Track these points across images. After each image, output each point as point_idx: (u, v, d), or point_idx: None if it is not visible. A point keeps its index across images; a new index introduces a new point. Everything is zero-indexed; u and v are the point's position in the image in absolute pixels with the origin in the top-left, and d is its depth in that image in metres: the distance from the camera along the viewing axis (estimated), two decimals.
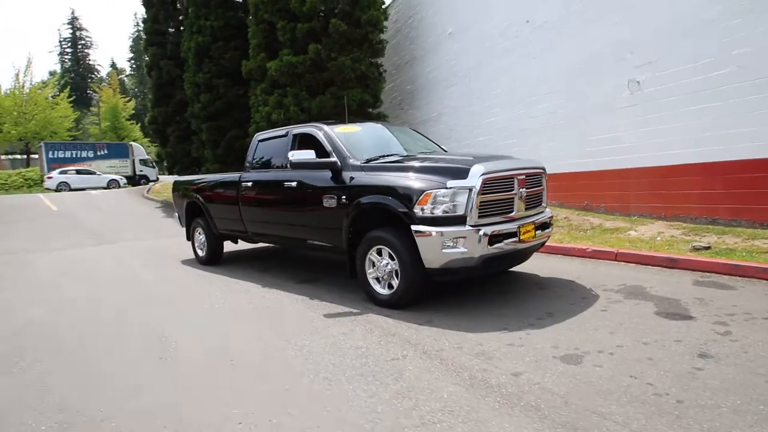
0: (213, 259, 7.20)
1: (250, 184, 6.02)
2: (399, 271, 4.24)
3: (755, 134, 6.02)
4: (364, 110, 13.59)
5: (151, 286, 5.82)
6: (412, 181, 4.17)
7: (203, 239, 7.23)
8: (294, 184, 5.30)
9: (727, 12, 6.18)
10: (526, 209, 4.47)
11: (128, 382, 3.05)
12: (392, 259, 4.31)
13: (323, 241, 5.09)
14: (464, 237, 3.95)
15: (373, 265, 4.50)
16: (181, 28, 17.98)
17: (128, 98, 44.40)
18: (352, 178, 4.62)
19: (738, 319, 3.54)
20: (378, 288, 4.48)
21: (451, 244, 3.95)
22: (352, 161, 4.78)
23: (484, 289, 4.78)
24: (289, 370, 3.11)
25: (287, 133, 5.72)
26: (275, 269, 6.54)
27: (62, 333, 4.15)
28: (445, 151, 5.94)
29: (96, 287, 5.92)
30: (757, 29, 5.88)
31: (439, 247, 3.97)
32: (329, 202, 4.81)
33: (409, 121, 14.84)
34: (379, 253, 4.42)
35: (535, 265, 5.61)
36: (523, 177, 4.42)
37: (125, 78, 61.78)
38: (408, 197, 4.10)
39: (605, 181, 8.19)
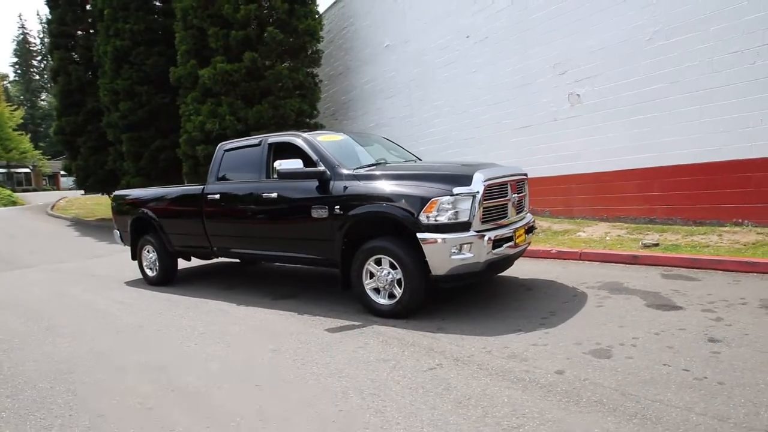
0: (166, 279, 6.63)
1: (217, 196, 5.64)
2: (403, 279, 4.19)
3: (685, 142, 6.77)
4: (302, 120, 13.37)
5: (113, 316, 5.19)
6: (415, 188, 4.16)
7: (153, 257, 6.64)
8: (274, 195, 5.06)
9: (660, 33, 6.92)
10: (516, 214, 4.64)
11: None
12: (393, 268, 4.25)
13: (310, 254, 4.90)
14: (471, 243, 4.01)
15: (371, 276, 4.41)
16: (91, 30, 16.52)
17: (14, 106, 39.70)
18: (345, 188, 4.50)
19: (720, 305, 3.93)
20: (378, 298, 4.39)
21: (458, 251, 3.99)
22: (342, 170, 4.66)
23: (475, 295, 4.86)
24: (329, 391, 2.93)
25: (261, 142, 5.45)
26: (241, 286, 6.17)
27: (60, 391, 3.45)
28: (420, 159, 6.00)
29: (44, 319, 5.20)
30: (685, 49, 6.64)
31: (447, 254, 3.99)
32: (319, 213, 4.65)
33: (344, 131, 14.80)
34: (378, 262, 4.34)
35: (511, 268, 5.83)
36: (515, 182, 4.59)
37: (8, 85, 55.20)
38: (413, 205, 4.08)
39: (550, 187, 8.74)
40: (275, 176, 4.99)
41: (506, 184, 4.43)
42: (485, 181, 4.12)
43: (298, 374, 3.22)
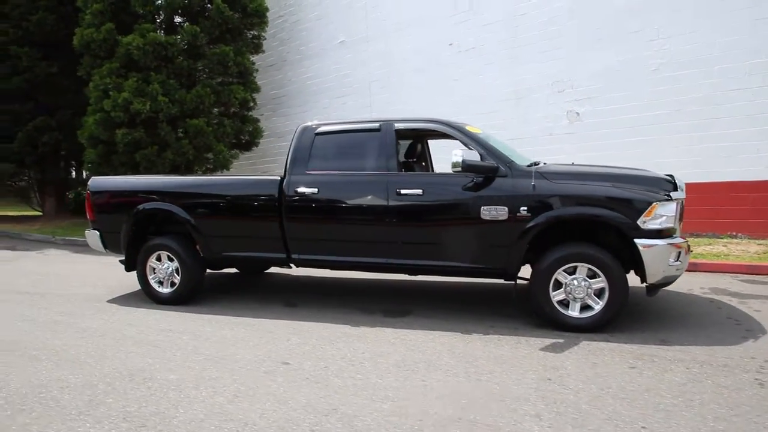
0: (189, 295, 5.11)
1: (311, 191, 4.52)
2: (607, 289, 3.84)
3: (684, 164, 7.69)
4: (243, 112, 11.86)
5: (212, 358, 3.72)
6: (630, 191, 3.87)
7: (171, 268, 5.05)
8: (417, 192, 4.24)
9: (666, 65, 7.77)
10: None
11: None
12: (592, 277, 3.89)
13: (469, 263, 4.19)
14: (682, 249, 3.88)
15: (560, 286, 3.96)
16: None
17: None
18: (533, 186, 3.98)
19: None
20: (569, 311, 3.95)
21: (676, 258, 3.83)
22: (519, 166, 4.13)
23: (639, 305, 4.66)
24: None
25: (381, 126, 4.52)
26: (302, 304, 5.03)
27: None
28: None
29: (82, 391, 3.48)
30: (690, 82, 7.57)
31: (667, 260, 3.78)
32: (493, 214, 4.02)
33: (276, 128, 13.54)
34: (571, 271, 3.93)
35: None
36: None
37: None
38: (633, 208, 3.78)
39: None
40: (454, 168, 3.99)
41: None
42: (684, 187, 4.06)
43: (630, 414, 2.66)
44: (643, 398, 2.76)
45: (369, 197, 4.38)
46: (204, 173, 11.32)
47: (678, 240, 3.87)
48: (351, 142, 4.63)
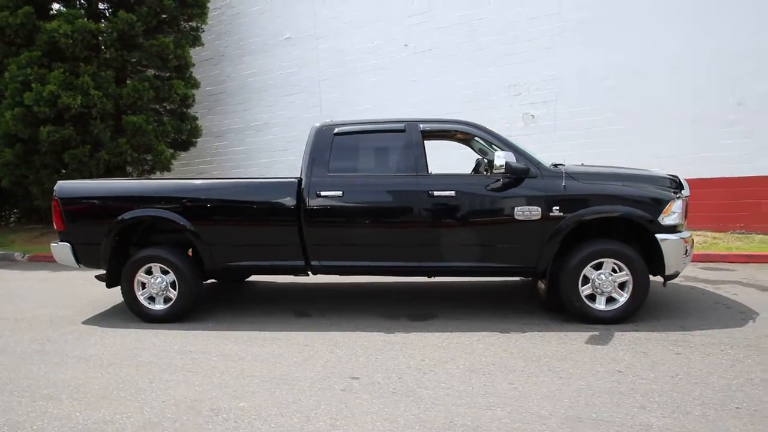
0: (185, 311, 4.64)
1: (335, 194, 4.31)
2: (631, 282, 4.09)
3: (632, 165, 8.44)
4: (181, 109, 11.04)
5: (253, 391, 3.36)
6: (650, 190, 4.16)
7: (166, 282, 4.57)
8: (449, 193, 4.22)
9: (612, 74, 8.46)
10: None
11: None
12: (615, 271, 4.14)
13: (500, 263, 4.26)
14: (689, 243, 4.26)
15: (587, 281, 4.17)
16: None
17: None
18: (564, 186, 4.14)
19: None
20: (595, 304, 4.16)
21: (686, 252, 4.20)
22: (547, 167, 4.26)
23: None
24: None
25: (406, 127, 4.42)
26: (315, 313, 4.79)
27: None
28: None
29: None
30: (633, 89, 8.32)
31: (681, 253, 4.14)
32: (527, 214, 4.12)
33: (213, 126, 12.77)
34: (597, 267, 4.15)
35: None
36: None
37: None
38: (654, 206, 4.08)
39: None
40: (496, 170, 4.01)
41: None
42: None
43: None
44: (712, 381, 2.99)
45: (400, 199, 4.29)
46: (140, 176, 10.32)
47: (686, 234, 4.24)
48: (374, 143, 4.50)
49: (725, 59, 7.67)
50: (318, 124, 4.63)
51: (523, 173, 4.12)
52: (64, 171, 9.22)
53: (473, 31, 9.61)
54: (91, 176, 9.33)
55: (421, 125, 4.45)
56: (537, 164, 4.25)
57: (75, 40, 8.74)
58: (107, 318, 4.88)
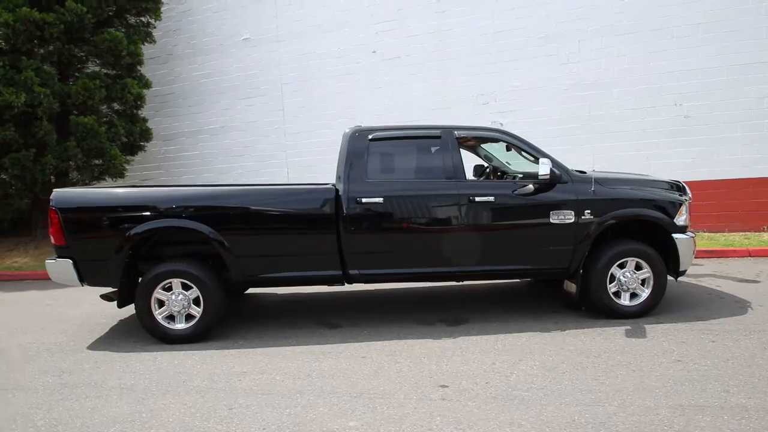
0: (208, 328, 4.34)
1: (376, 201, 4.25)
2: (652, 279, 4.45)
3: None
4: (131, 111, 10.28)
5: None
6: (664, 193, 4.55)
7: (189, 298, 4.24)
8: (489, 199, 4.33)
9: (574, 87, 9.10)
10: None
11: None
12: (637, 270, 4.48)
13: (534, 265, 4.46)
14: (695, 242, 4.72)
15: (613, 279, 4.47)
16: None
17: None
18: (594, 191, 4.40)
19: None
20: (622, 301, 4.47)
21: (693, 250, 4.64)
22: (574, 173, 4.52)
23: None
24: None
25: (442, 134, 4.46)
26: (344, 323, 4.69)
27: None
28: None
29: None
30: (593, 102, 9.01)
31: (692, 251, 4.58)
32: (560, 217, 4.35)
33: (161, 129, 11.95)
34: (620, 265, 4.47)
35: None
36: None
37: None
38: (671, 208, 4.47)
39: None
40: (541, 177, 4.23)
41: None
42: None
43: None
44: (759, 364, 3.34)
45: (442, 205, 4.32)
46: (89, 183, 9.40)
47: (693, 234, 4.70)
48: (411, 149, 4.51)
49: (673, 76, 8.56)
50: (350, 130, 4.53)
51: (558, 179, 4.34)
52: (4, 177, 8.15)
53: (440, 41, 9.88)
54: (35, 183, 8.35)
55: (456, 132, 4.52)
56: (566, 170, 4.49)
57: (17, 31, 7.79)
58: (113, 342, 4.41)
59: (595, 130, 9.06)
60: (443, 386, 3.16)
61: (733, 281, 5.77)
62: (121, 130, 9.47)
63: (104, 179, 9.73)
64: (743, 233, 8.26)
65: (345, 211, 4.24)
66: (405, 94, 10.13)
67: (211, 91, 11.72)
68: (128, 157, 10.84)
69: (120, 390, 3.31)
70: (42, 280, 7.75)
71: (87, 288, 5.45)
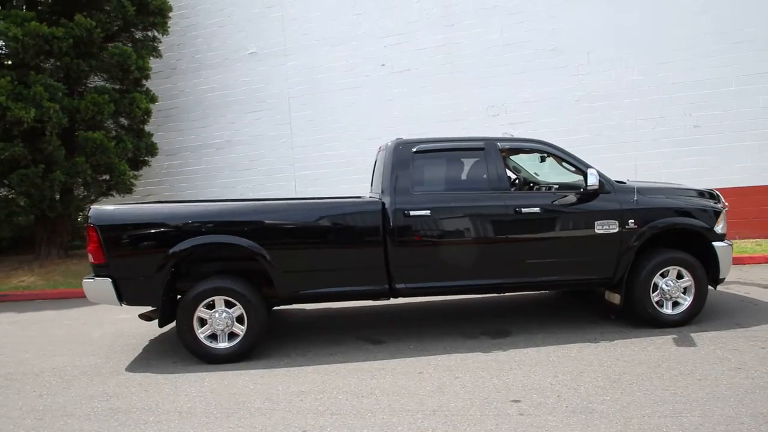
0: (251, 346, 4.22)
1: (424, 213, 4.22)
2: (693, 287, 4.48)
3: None
4: (138, 126, 10.15)
5: None
6: (702, 202, 4.60)
7: (232, 316, 4.14)
8: (535, 210, 4.32)
9: (585, 98, 9.22)
10: None
11: None
12: (678, 278, 4.50)
13: (579, 275, 4.46)
14: (731, 250, 4.76)
15: (656, 289, 4.48)
16: None
17: None
18: (636, 201, 4.42)
19: None
20: (663, 309, 4.47)
21: (731, 256, 4.69)
22: (617, 184, 4.55)
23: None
24: None
25: (485, 145, 4.46)
26: (387, 339, 4.63)
27: None
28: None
29: None
30: (603, 112, 9.13)
31: (730, 259, 4.62)
32: (605, 227, 4.36)
33: (165, 144, 11.79)
34: (662, 274, 4.48)
35: None
36: None
37: None
38: (711, 217, 4.52)
39: None
40: (590, 187, 4.32)
41: None
42: None
43: None
44: None
45: (489, 216, 4.30)
46: (96, 200, 9.22)
47: (730, 242, 4.74)
48: (455, 161, 4.50)
49: (682, 86, 8.73)
50: (392, 142, 4.51)
51: (604, 189, 4.36)
52: (11, 194, 7.95)
53: (450, 53, 9.96)
54: (42, 200, 8.16)
55: (498, 143, 4.53)
56: (609, 181, 4.52)
57: (26, 45, 7.66)
58: (151, 363, 4.27)
59: (605, 141, 9.17)
60: (515, 401, 3.11)
61: (760, 288, 5.84)
62: (129, 145, 9.33)
63: (111, 195, 9.56)
64: (755, 240, 8.39)
65: (392, 224, 4.19)
66: (415, 107, 10.17)
67: (217, 105, 11.64)
68: (134, 173, 10.70)
69: (179, 414, 3.19)
70: (52, 299, 7.57)
71: (103, 306, 5.36)
